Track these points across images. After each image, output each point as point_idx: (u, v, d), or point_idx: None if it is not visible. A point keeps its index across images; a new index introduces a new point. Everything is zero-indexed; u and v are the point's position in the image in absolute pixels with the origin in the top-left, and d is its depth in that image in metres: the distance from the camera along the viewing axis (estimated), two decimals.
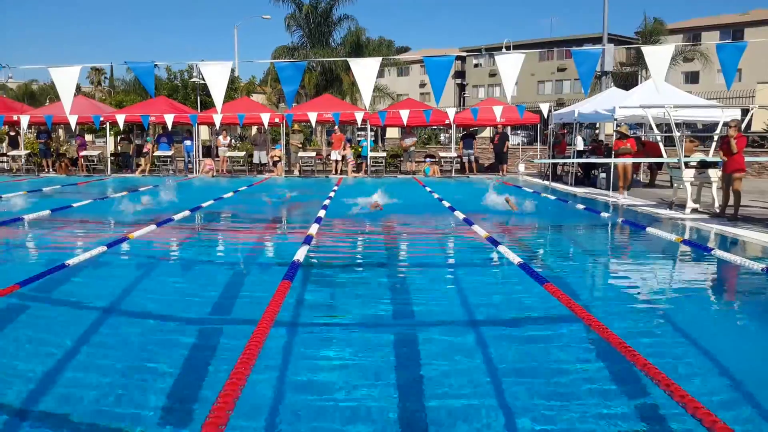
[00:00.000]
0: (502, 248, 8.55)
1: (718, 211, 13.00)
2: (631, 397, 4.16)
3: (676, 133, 13.98)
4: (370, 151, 25.36)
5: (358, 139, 26.84)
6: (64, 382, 4.26)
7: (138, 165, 27.06)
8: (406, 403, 4.01)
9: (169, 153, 25.86)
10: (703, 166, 13.82)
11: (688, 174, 13.55)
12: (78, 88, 52.51)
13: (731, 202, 12.36)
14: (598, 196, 16.88)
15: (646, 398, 4.08)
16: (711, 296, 6.28)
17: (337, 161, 25.48)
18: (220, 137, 26.67)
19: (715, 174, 13.48)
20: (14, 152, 25.92)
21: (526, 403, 4.01)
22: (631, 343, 4.32)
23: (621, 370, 4.46)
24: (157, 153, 25.52)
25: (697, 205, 13.56)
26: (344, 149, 25.39)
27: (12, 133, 26.38)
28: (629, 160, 17.30)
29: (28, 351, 4.84)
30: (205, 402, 3.70)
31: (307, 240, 9.00)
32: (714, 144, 15.52)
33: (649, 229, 10.80)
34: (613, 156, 16.84)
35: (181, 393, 4.14)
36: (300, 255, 7.84)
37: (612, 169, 16.98)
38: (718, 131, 14.91)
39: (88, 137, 32.45)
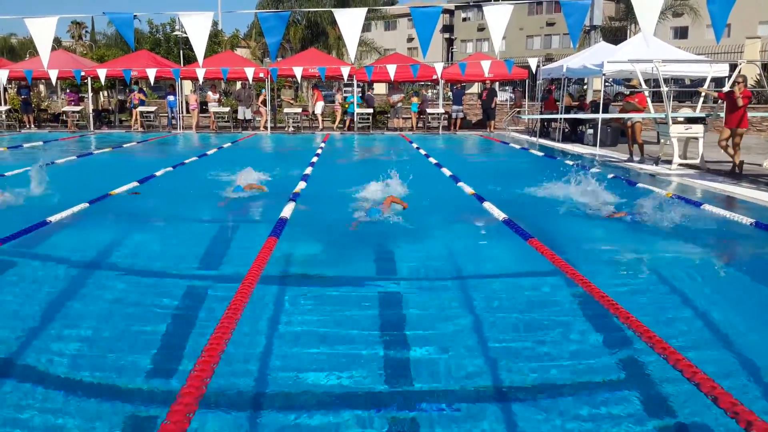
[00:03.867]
0: (487, 204, 8.55)
1: (701, 166, 13.06)
2: (614, 350, 4.20)
3: (664, 88, 13.92)
4: (357, 107, 25.08)
5: (344, 95, 26.54)
6: (46, 337, 4.24)
7: (121, 121, 26.70)
8: (390, 353, 4.03)
9: (152, 109, 25.53)
10: (690, 121, 13.81)
11: (675, 129, 13.53)
12: (58, 43, 51.37)
13: (725, 157, 12.41)
14: (617, 161, 16.83)
15: (629, 351, 4.11)
16: (701, 251, 6.32)
17: (317, 116, 25.41)
18: (210, 92, 26.20)
19: (701, 129, 13.48)
20: None
21: (509, 354, 4.04)
22: (618, 298, 4.35)
23: (605, 323, 4.48)
24: (141, 109, 25.19)
25: (683, 161, 13.59)
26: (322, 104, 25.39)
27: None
28: (617, 116, 17.23)
29: (10, 307, 4.80)
30: (191, 355, 3.69)
31: (294, 197, 8.95)
32: (701, 99, 15.49)
33: (640, 185, 10.82)
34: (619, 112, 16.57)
35: (166, 346, 4.14)
36: (287, 212, 7.80)
37: (599, 125, 16.93)
38: (705, 86, 14.84)
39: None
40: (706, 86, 14.80)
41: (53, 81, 24.23)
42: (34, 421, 3.17)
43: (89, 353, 3.99)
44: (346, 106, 25.44)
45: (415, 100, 26.00)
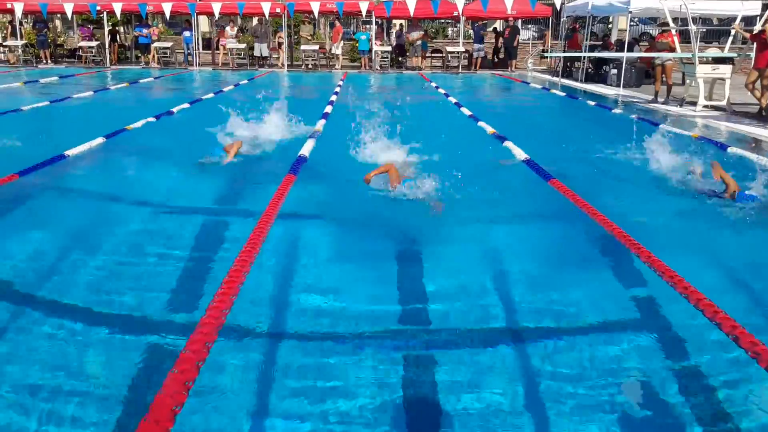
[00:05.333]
0: (508, 143, 8.43)
1: (726, 108, 12.74)
2: (636, 290, 4.15)
3: (693, 27, 13.48)
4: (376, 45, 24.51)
5: (354, 32, 25.97)
6: (66, 270, 4.27)
7: (138, 57, 26.44)
8: (403, 292, 4.03)
9: (168, 45, 25.26)
10: (717, 61, 13.42)
11: (702, 70, 13.16)
12: None
13: (752, 99, 12.08)
14: (638, 101, 16.46)
15: (650, 290, 4.06)
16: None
17: (336, 55, 24.89)
18: (227, 28, 25.62)
19: (728, 70, 13.10)
20: (11, 42, 25.21)
21: (530, 294, 4.02)
22: (640, 238, 4.30)
23: (627, 262, 4.42)
24: (157, 44, 24.91)
25: (709, 102, 13.27)
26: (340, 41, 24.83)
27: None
28: (643, 55, 16.77)
29: (31, 239, 4.83)
30: (210, 288, 3.69)
31: (313, 135, 8.87)
32: (729, 39, 15.00)
33: (663, 126, 10.59)
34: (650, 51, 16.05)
35: (184, 280, 4.15)
36: (306, 150, 7.73)
37: (624, 65, 16.49)
38: (736, 23, 14.31)
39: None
40: (737, 23, 14.26)
41: (69, 15, 23.94)
42: (57, 350, 3.22)
43: (109, 284, 4.01)
44: (356, 44, 24.86)
45: (424, 38, 25.44)
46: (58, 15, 27.63)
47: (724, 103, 13.00)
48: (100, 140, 8.02)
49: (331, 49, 25.76)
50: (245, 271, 3.49)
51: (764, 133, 10.02)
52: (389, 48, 24.99)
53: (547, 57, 24.80)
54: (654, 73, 14.91)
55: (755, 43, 12.14)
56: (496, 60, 26.12)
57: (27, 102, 12.18)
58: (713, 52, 15.20)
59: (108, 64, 24.63)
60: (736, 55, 14.58)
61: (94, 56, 25.22)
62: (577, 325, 3.66)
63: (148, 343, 3.32)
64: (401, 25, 26.81)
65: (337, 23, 25.15)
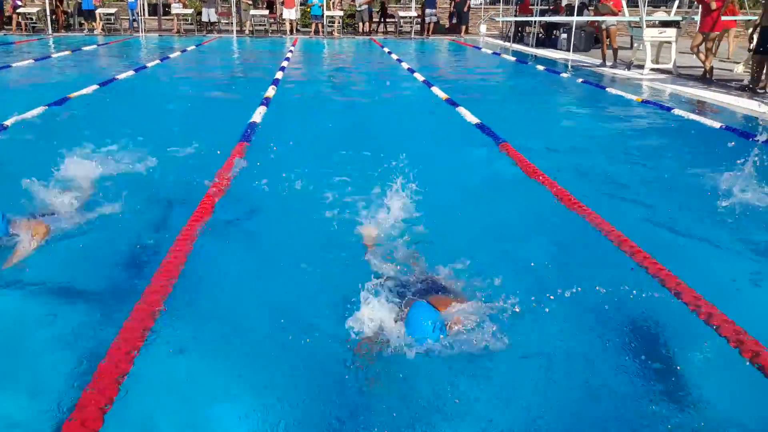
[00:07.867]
0: (460, 109, 8.46)
1: (672, 71, 12.99)
2: (590, 260, 4.09)
3: None
4: (326, 9, 24.08)
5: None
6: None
7: (81, 24, 25.49)
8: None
9: (113, 11, 24.40)
10: (664, 25, 13.64)
11: (649, 33, 13.35)
12: None
13: (698, 63, 12.30)
14: (588, 65, 16.60)
15: (604, 260, 3.96)
16: (670, 155, 6.27)
17: (291, 21, 24.31)
18: None
19: (675, 33, 13.32)
20: None
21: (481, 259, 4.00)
22: (591, 204, 4.30)
23: (578, 229, 4.41)
24: (101, 10, 24.02)
25: (656, 65, 13.50)
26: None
27: None
28: (591, 18, 16.92)
29: None
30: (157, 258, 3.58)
31: (265, 102, 8.75)
32: (676, 3, 15.25)
33: (609, 89, 10.76)
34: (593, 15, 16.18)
35: (131, 247, 4.01)
36: (257, 116, 7.62)
37: (573, 29, 16.62)
38: None
39: None
40: None
41: None
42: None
43: (53, 253, 3.89)
44: (308, 8, 24.33)
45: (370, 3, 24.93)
46: None
47: (670, 66, 13.23)
48: (40, 108, 7.74)
49: (281, 15, 25.21)
50: (193, 239, 3.45)
51: (708, 95, 10.26)
52: (341, 13, 24.61)
53: (497, 20, 24.79)
54: (601, 37, 15.08)
55: (700, 7, 12.37)
56: (448, 25, 26.07)
57: None
58: (660, 15, 15.42)
59: (50, 32, 23.65)
60: (681, 18, 14.83)
61: (34, 23, 24.20)
62: (523, 288, 3.63)
63: (89, 312, 3.13)
64: None
65: None
